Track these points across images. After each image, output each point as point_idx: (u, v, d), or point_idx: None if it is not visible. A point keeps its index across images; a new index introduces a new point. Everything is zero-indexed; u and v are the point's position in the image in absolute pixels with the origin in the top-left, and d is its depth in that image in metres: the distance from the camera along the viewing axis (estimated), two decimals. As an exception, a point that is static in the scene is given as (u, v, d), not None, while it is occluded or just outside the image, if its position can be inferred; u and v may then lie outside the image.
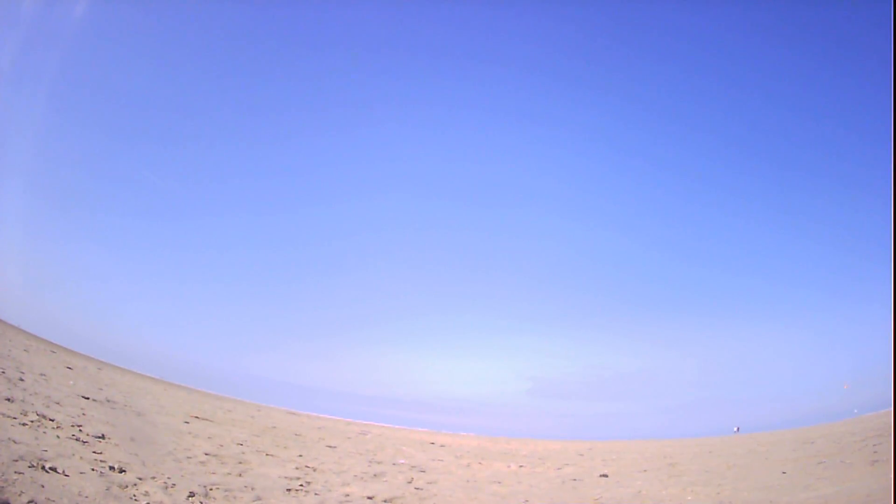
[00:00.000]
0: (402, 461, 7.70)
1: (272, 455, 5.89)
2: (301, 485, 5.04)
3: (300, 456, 6.50)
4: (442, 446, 13.93)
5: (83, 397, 6.89)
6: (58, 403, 5.80)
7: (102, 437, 4.74)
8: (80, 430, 4.69)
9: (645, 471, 7.78)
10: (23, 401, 5.38)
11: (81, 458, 4.15)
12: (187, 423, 7.74)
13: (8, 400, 5.30)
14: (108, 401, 7.42)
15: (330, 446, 8.78)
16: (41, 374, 8.15)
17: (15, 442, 4.03)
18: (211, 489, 4.31)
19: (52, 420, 4.80)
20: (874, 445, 7.91)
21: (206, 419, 9.12)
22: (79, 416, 5.33)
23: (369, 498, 5.06)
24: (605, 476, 6.96)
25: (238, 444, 6.37)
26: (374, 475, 5.78)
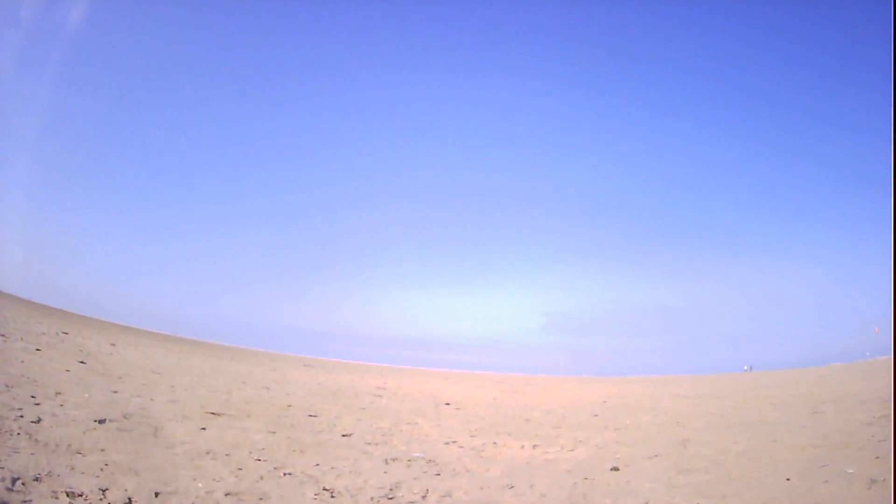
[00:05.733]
0: (418, 455, 7.89)
1: (291, 474, 6.04)
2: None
3: (317, 465, 6.64)
4: (457, 409, 14.25)
5: (97, 421, 7.00)
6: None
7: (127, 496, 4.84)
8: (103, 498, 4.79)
9: (656, 456, 7.95)
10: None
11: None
12: (204, 428, 7.90)
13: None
14: (125, 417, 7.54)
15: (345, 435, 8.96)
16: (56, 393, 8.21)
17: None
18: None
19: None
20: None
21: (222, 413, 9.31)
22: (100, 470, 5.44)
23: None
24: (616, 469, 7.11)
25: (256, 459, 6.50)
26: (391, 489, 5.93)
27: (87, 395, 8.53)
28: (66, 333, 19.85)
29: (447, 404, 15.61)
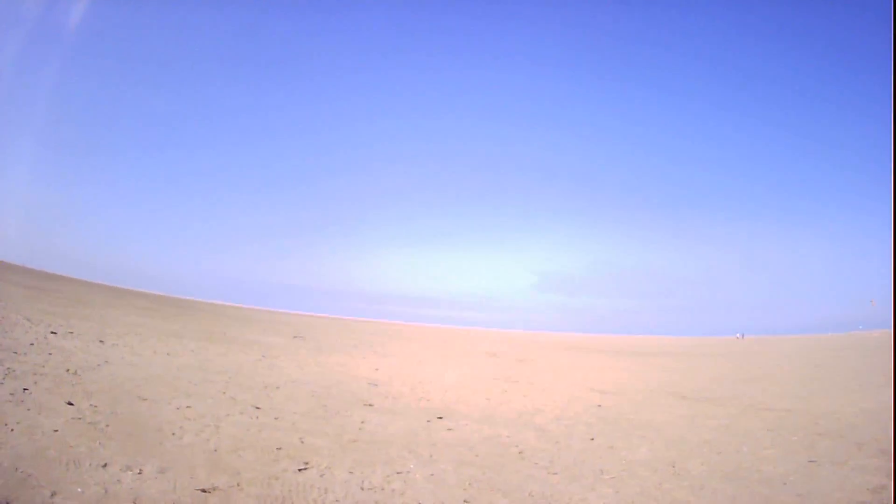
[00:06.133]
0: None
1: None
2: None
3: None
4: (450, 430, 14.20)
5: None
6: None
7: None
8: None
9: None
10: None
11: None
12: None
13: None
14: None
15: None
16: (53, 495, 7.86)
17: None
18: None
19: None
20: None
21: (213, 487, 9.07)
22: None
23: None
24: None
25: None
26: None
27: (80, 489, 8.21)
28: (54, 334, 19.52)
29: (440, 418, 15.57)
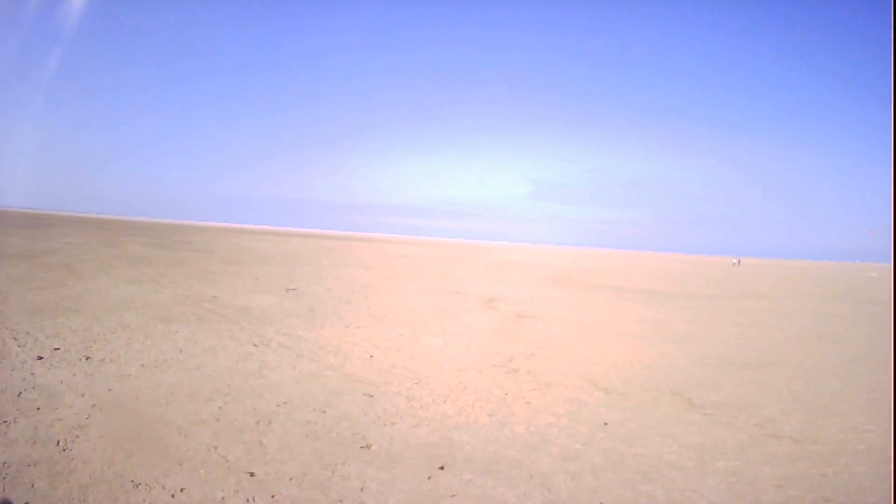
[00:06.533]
0: None
1: None
2: None
3: None
4: (453, 496, 13.57)
5: None
6: None
7: None
8: None
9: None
10: None
11: None
12: None
13: None
14: None
15: None
16: None
17: None
18: None
19: None
20: None
21: None
22: None
23: None
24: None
25: None
26: None
27: None
28: (40, 359, 18.41)
29: (441, 469, 14.91)
